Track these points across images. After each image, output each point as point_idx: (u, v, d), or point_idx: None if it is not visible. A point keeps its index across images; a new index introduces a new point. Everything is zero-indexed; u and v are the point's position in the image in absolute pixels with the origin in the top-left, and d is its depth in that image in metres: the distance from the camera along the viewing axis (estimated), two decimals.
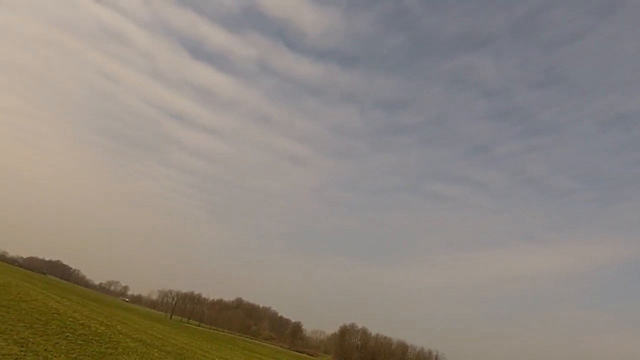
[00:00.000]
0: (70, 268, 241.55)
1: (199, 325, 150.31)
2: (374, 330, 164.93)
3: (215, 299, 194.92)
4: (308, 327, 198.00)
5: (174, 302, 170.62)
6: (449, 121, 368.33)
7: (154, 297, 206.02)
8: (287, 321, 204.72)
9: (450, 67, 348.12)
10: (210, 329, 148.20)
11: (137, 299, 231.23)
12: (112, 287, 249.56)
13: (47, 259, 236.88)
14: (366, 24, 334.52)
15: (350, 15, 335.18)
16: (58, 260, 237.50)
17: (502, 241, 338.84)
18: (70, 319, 23.02)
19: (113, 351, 16.71)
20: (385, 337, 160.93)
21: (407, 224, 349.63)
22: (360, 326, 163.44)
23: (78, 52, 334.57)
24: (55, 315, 22.48)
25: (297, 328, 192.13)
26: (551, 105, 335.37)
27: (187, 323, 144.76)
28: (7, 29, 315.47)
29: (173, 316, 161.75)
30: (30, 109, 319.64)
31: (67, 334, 17.24)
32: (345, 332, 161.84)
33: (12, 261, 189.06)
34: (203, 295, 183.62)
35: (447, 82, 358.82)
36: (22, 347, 12.32)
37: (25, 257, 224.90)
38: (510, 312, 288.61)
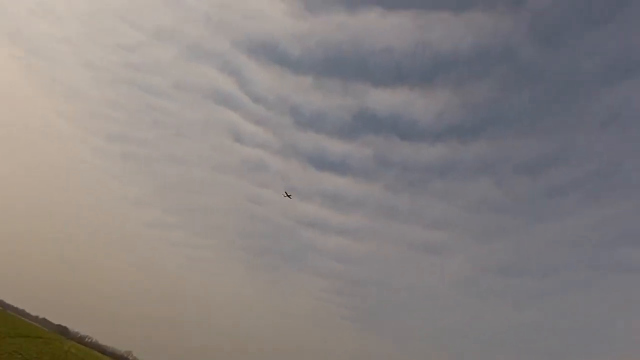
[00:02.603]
0: None
1: None
2: None
3: None
4: None
5: None
6: (615, 169, 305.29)
7: None
8: None
9: (597, 108, 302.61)
10: None
11: None
12: None
13: None
14: (481, 92, 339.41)
15: (462, 89, 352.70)
16: None
17: None
18: None
19: None
20: None
21: (595, 309, 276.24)
22: None
23: (229, 186, 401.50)
24: None
25: None
26: None
27: None
28: (177, 179, 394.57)
29: None
30: (197, 240, 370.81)
31: None
32: None
33: None
34: None
35: (599, 125, 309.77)
36: None
37: None
38: None
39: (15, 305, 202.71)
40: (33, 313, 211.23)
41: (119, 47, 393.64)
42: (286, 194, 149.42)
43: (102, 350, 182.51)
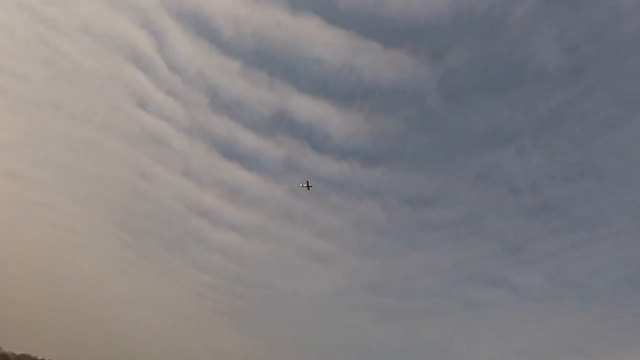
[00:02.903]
0: None
1: None
2: None
3: None
4: None
5: None
6: (479, 219, 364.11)
7: None
8: None
9: (475, 164, 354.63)
10: None
11: None
12: None
13: (40, 357, 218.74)
14: (389, 125, 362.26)
15: (374, 118, 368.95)
16: None
17: (544, 355, 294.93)
18: None
19: None
20: None
21: (443, 335, 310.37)
22: None
23: (119, 154, 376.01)
24: None
25: None
26: (585, 201, 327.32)
27: None
28: (58, 132, 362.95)
29: None
30: (67, 206, 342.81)
31: None
32: None
33: (4, 357, 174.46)
34: None
35: (474, 179, 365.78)
36: None
37: (18, 353, 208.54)
38: None
39: None
40: None
41: None
42: (307, 183, 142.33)
43: None
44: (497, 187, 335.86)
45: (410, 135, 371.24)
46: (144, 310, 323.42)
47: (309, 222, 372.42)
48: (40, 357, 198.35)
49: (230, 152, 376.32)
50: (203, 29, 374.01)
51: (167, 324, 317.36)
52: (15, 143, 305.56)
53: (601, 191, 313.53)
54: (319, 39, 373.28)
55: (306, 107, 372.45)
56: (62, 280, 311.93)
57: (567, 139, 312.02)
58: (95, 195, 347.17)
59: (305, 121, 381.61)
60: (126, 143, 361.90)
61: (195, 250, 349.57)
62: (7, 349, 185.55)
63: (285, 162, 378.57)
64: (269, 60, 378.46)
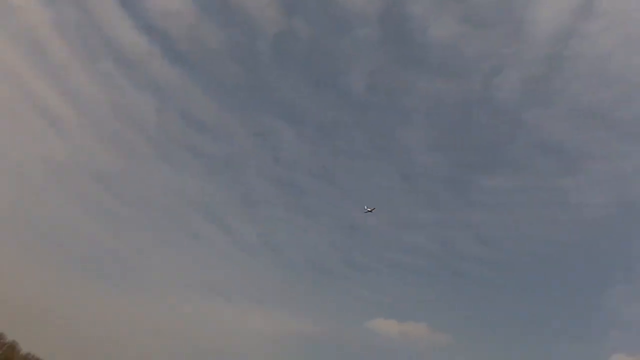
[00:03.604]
0: None
1: None
2: None
3: None
4: None
5: None
6: (240, 168, 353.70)
7: None
8: None
9: (257, 124, 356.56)
10: None
11: None
12: None
13: None
14: (214, 44, 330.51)
15: (205, 28, 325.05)
16: None
17: (225, 293, 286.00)
18: None
19: None
20: None
21: (162, 254, 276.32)
22: None
23: None
24: None
25: None
26: (312, 195, 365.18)
27: None
28: None
29: None
30: None
31: None
32: None
33: None
34: None
35: (253, 137, 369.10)
36: None
37: None
38: None
39: None
40: None
41: None
42: (372, 210, 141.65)
43: None
44: (266, 152, 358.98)
45: (226, 64, 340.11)
46: None
47: (63, 75, 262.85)
48: None
49: None
50: None
51: None
52: None
53: (329, 191, 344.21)
54: None
55: None
56: None
57: (330, 148, 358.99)
58: None
59: None
60: None
61: None
62: None
63: (80, 5, 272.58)
64: None
